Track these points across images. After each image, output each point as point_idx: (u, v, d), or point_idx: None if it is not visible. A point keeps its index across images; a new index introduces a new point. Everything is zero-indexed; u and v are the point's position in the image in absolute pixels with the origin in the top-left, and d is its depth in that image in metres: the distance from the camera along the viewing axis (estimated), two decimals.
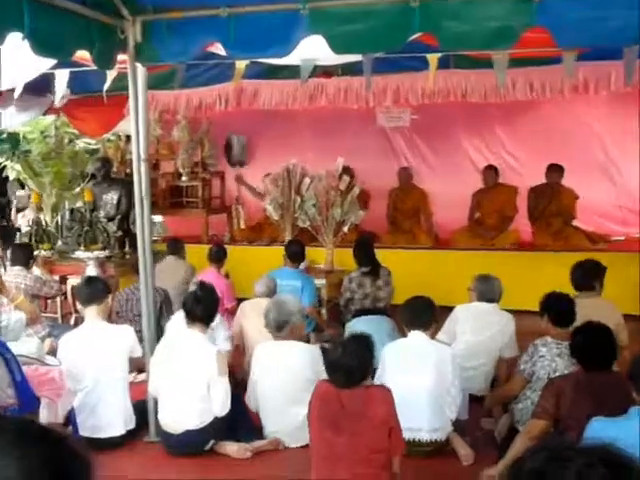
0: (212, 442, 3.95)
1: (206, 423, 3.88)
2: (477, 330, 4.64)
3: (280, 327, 4.06)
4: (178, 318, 4.44)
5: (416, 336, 3.98)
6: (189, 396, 3.88)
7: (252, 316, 4.93)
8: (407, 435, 3.58)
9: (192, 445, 3.91)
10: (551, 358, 3.80)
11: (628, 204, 8.16)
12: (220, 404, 3.87)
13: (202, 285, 4.24)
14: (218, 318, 4.67)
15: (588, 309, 3.89)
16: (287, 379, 3.96)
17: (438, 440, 3.81)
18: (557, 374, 3.65)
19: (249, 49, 3.78)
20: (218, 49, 4.15)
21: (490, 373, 4.72)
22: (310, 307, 5.70)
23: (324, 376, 3.77)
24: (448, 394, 3.85)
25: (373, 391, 3.18)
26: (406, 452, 3.31)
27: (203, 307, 3.99)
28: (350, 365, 3.11)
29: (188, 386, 3.87)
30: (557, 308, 3.88)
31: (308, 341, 5.06)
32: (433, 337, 4.10)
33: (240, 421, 4.07)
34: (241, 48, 3.75)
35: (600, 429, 2.57)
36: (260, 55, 4.36)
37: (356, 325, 5.07)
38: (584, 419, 2.74)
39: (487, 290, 4.80)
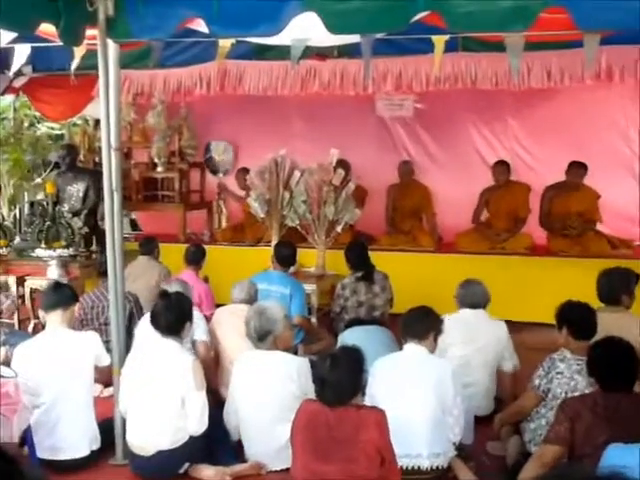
0: (187, 465, 3.94)
1: (180, 443, 3.87)
2: (467, 341, 4.64)
3: (262, 337, 4.05)
4: (146, 324, 4.43)
5: (411, 349, 3.93)
6: (162, 413, 3.87)
7: (229, 324, 4.92)
8: (404, 462, 3.59)
9: (164, 468, 3.90)
10: (570, 375, 3.80)
11: None
12: (197, 421, 3.87)
13: (165, 294, 4.22)
14: (197, 314, 4.72)
15: (611, 325, 3.85)
16: (271, 394, 3.94)
17: (439, 467, 3.79)
18: (577, 393, 3.66)
19: (235, 27, 3.76)
20: (200, 25, 4.14)
21: (490, 389, 4.74)
22: (299, 317, 5.70)
23: (312, 392, 3.72)
24: (449, 414, 3.83)
25: (365, 413, 3.19)
26: None
27: (172, 316, 3.98)
28: (339, 380, 3.16)
29: (160, 401, 3.86)
30: (576, 318, 3.89)
31: (296, 353, 5.06)
32: (433, 350, 4.05)
33: (218, 442, 4.06)
34: (226, 25, 3.73)
35: (617, 456, 2.58)
36: (247, 34, 4.37)
37: (349, 336, 5.06)
38: (601, 445, 2.75)
39: (468, 295, 4.82)
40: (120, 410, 4.06)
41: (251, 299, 5.11)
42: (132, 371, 3.97)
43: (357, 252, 6.18)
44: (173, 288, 5.02)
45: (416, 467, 3.72)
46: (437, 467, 3.77)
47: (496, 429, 4.35)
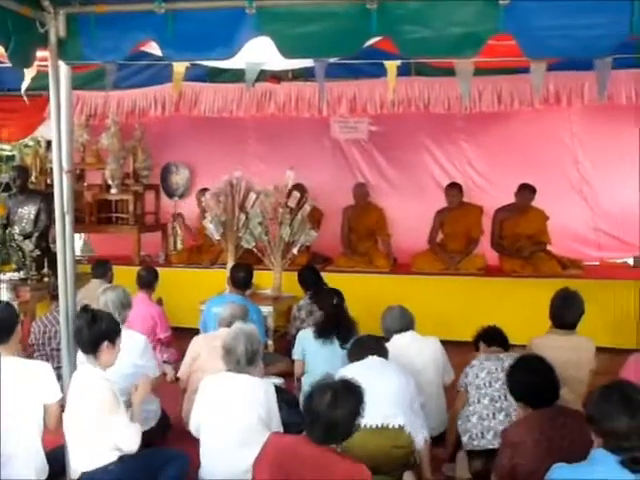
0: None
1: (103, 464, 3.75)
2: (406, 366, 4.56)
3: (251, 360, 3.95)
4: None
5: (374, 359, 4.14)
6: (82, 437, 3.76)
7: (210, 354, 4.69)
8: (380, 421, 3.85)
9: None
10: (479, 363, 4.28)
11: (603, 226, 8.39)
12: (124, 442, 3.76)
13: (85, 309, 4.10)
14: (143, 343, 4.65)
15: (564, 348, 4.08)
16: (238, 417, 3.84)
17: (411, 435, 3.91)
18: (484, 372, 4.18)
19: (188, 50, 3.75)
20: (153, 48, 4.13)
21: (439, 406, 4.76)
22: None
23: (277, 417, 3.79)
24: (413, 408, 4.02)
25: (349, 469, 2.90)
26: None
27: (88, 334, 3.86)
28: (337, 420, 2.90)
29: (80, 427, 3.76)
30: (487, 333, 4.57)
31: None
32: None
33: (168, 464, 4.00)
34: (179, 49, 3.72)
35: (563, 473, 2.65)
36: (200, 57, 4.37)
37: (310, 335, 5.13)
38: (544, 464, 2.82)
39: (392, 321, 4.83)
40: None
41: (234, 321, 4.73)
42: (68, 397, 3.87)
43: (308, 273, 6.25)
44: (108, 296, 4.87)
45: (391, 425, 3.89)
46: (409, 433, 3.90)
47: (448, 444, 4.47)
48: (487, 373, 4.20)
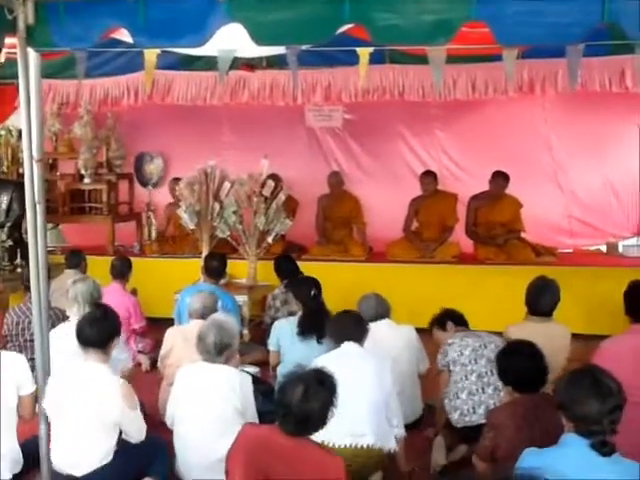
0: None
1: (106, 461, 3.76)
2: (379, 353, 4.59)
3: (221, 352, 3.94)
4: (60, 337, 4.31)
5: (350, 346, 4.05)
6: (88, 435, 3.74)
7: (186, 347, 4.65)
8: (349, 441, 3.71)
9: None
10: (460, 340, 4.34)
11: (577, 214, 8.47)
12: (136, 436, 3.81)
13: (97, 305, 4.11)
14: (122, 344, 4.59)
15: (541, 335, 4.05)
16: (213, 407, 3.85)
17: (381, 448, 3.83)
18: (468, 349, 4.24)
19: (160, 38, 3.71)
20: (124, 36, 4.08)
21: (413, 395, 4.79)
22: None
23: (253, 407, 3.79)
24: (389, 405, 3.93)
25: (325, 458, 2.94)
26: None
27: (97, 330, 3.85)
28: (310, 413, 2.89)
29: (87, 425, 3.72)
30: (455, 315, 4.73)
31: None
32: None
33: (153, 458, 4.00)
34: (151, 36, 3.68)
35: (532, 459, 2.69)
36: (172, 45, 4.34)
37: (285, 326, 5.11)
38: (523, 449, 2.85)
39: (367, 310, 4.82)
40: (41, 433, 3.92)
41: (207, 311, 4.84)
42: (56, 396, 3.81)
43: (284, 262, 6.26)
44: (78, 288, 4.84)
45: (359, 446, 3.76)
46: (380, 447, 3.81)
47: (438, 424, 4.53)
48: (472, 350, 4.24)
